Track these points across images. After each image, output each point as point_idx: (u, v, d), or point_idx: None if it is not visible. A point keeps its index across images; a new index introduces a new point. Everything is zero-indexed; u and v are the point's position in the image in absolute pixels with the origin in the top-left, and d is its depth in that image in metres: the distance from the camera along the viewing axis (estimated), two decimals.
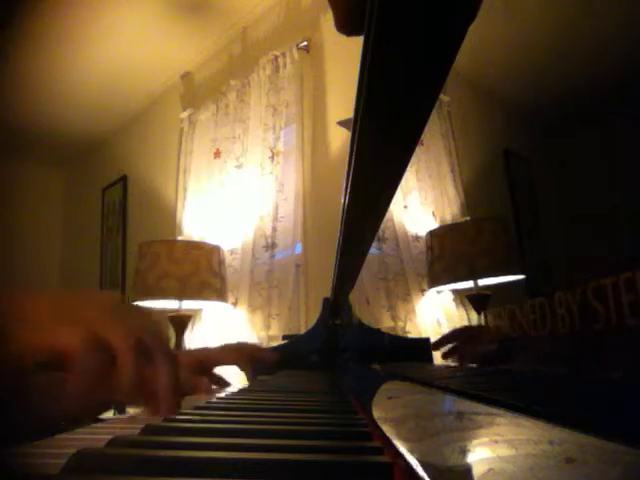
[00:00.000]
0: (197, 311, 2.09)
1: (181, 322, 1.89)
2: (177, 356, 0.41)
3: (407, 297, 1.61)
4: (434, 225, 1.60)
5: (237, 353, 0.68)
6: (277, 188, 1.98)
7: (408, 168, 0.31)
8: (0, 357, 0.32)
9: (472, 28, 0.18)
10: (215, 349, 0.70)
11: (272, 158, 2.03)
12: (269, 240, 1.96)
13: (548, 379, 0.44)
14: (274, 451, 0.22)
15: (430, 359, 1.25)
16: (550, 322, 0.45)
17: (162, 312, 1.91)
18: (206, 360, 0.63)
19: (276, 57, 2.10)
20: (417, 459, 0.17)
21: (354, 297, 1.30)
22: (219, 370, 0.69)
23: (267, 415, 0.36)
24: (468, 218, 1.51)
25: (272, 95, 2.09)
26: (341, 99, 1.90)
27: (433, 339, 1.37)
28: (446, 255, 1.36)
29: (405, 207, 1.68)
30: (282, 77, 2.07)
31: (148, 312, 0.44)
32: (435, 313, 1.57)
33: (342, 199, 0.39)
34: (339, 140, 1.88)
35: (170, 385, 0.37)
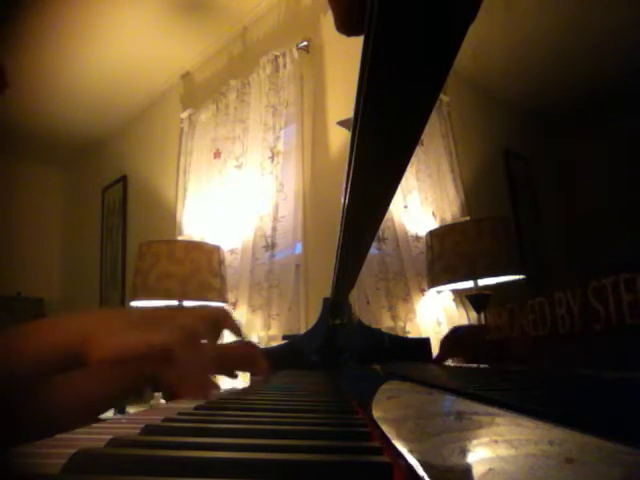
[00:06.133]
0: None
1: None
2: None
3: (407, 297, 1.61)
4: (434, 225, 1.60)
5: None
6: (277, 188, 1.98)
7: (408, 168, 0.31)
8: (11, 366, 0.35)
9: (472, 28, 0.18)
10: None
11: (272, 158, 2.03)
12: (269, 240, 1.96)
13: (548, 379, 0.44)
14: (274, 451, 0.22)
15: (430, 359, 1.25)
16: (550, 322, 0.45)
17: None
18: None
19: (276, 57, 2.10)
20: (417, 459, 0.17)
21: (354, 297, 1.30)
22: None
23: (267, 415, 0.36)
24: (468, 218, 1.51)
25: (272, 95, 2.09)
26: (341, 99, 1.90)
27: (433, 339, 1.37)
28: (446, 255, 1.36)
29: (405, 207, 1.67)
30: (282, 77, 2.07)
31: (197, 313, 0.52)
32: (435, 313, 1.57)
33: (342, 199, 0.39)
34: (339, 140, 1.88)
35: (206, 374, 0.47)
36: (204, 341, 0.48)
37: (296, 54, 2.04)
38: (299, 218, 1.92)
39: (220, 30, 2.48)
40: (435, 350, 1.28)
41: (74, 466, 0.20)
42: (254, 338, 1.91)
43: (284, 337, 1.60)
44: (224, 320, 0.55)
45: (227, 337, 0.63)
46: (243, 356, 0.61)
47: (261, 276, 1.95)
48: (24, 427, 0.35)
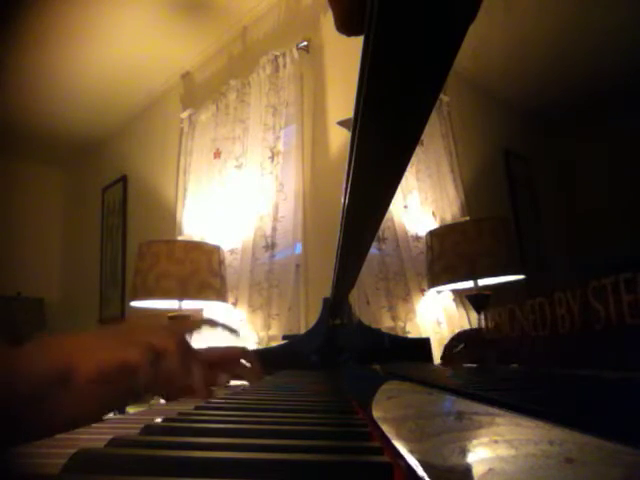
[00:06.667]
0: (197, 311, 2.09)
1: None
2: (204, 355, 0.54)
3: (407, 297, 1.61)
4: (434, 225, 1.60)
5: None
6: (277, 188, 1.98)
7: (408, 168, 0.31)
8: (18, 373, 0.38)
9: (472, 28, 0.18)
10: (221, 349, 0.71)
11: (272, 158, 2.03)
12: (269, 240, 1.96)
13: (548, 379, 0.44)
14: (274, 451, 0.22)
15: (430, 359, 1.26)
16: (550, 322, 0.45)
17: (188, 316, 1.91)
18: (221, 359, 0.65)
19: (276, 57, 2.10)
20: (417, 459, 0.17)
21: (354, 297, 1.30)
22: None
23: (267, 415, 0.36)
24: (468, 218, 1.51)
25: (272, 95, 2.09)
26: (341, 99, 1.90)
27: (433, 339, 1.37)
28: (446, 255, 1.36)
29: (405, 207, 1.68)
30: (282, 77, 2.07)
31: (184, 322, 0.58)
32: (435, 313, 1.57)
33: (342, 199, 0.39)
34: (339, 140, 1.88)
35: (202, 379, 0.51)
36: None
37: (296, 54, 2.04)
38: (299, 218, 1.92)
39: (220, 30, 2.48)
40: (435, 352, 1.28)
41: (74, 466, 0.20)
42: (254, 338, 1.91)
43: (284, 337, 1.60)
44: (204, 325, 0.59)
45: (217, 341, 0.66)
46: (227, 358, 0.62)
47: (261, 276, 1.95)
48: (24, 428, 0.36)
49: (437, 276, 1.41)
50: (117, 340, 0.46)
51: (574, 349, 0.42)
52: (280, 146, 2.02)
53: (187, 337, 0.53)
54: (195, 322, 0.59)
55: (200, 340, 0.62)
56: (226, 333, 0.63)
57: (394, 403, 0.38)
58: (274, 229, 1.95)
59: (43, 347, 0.43)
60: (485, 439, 0.19)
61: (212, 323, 0.60)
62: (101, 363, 0.41)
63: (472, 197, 1.51)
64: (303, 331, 1.69)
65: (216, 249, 1.94)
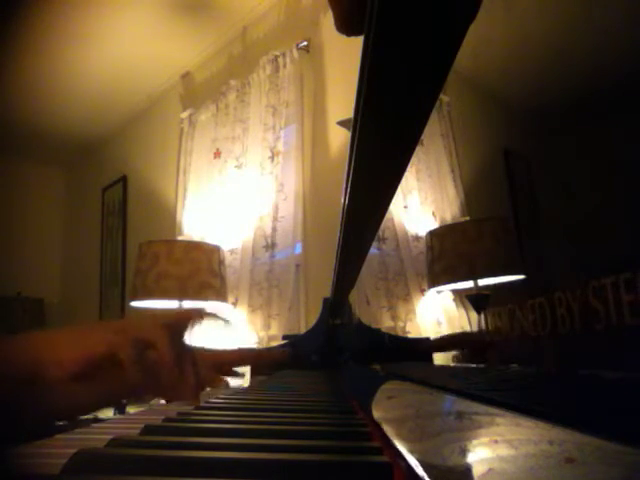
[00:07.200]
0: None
1: None
2: (199, 355, 0.49)
3: (407, 297, 1.61)
4: (434, 225, 1.60)
5: (250, 355, 0.70)
6: (277, 188, 1.98)
7: (408, 168, 0.31)
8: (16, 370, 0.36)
9: (472, 28, 0.18)
10: (232, 350, 0.71)
11: (272, 158, 2.03)
12: (269, 240, 1.96)
13: (548, 379, 0.44)
14: (274, 451, 0.22)
15: (430, 359, 1.26)
16: (550, 322, 0.45)
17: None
18: (223, 360, 0.64)
19: (276, 57, 2.09)
20: (417, 459, 0.17)
21: (354, 297, 1.30)
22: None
23: (267, 415, 0.36)
24: (468, 218, 1.51)
25: (272, 95, 2.09)
26: (341, 99, 1.90)
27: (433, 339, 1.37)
28: (446, 255, 1.36)
29: (405, 207, 1.67)
30: (282, 77, 2.07)
31: (180, 317, 0.52)
32: (435, 313, 1.57)
33: (342, 199, 0.39)
34: (339, 140, 1.88)
35: (194, 381, 0.45)
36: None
37: (296, 54, 2.04)
38: (299, 218, 1.92)
39: (220, 30, 2.48)
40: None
41: (74, 466, 0.20)
42: (254, 338, 1.91)
43: (284, 337, 1.60)
44: (198, 319, 0.54)
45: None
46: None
47: (261, 276, 1.95)
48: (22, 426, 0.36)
49: (437, 276, 1.41)
50: (98, 333, 0.41)
51: (574, 349, 0.42)
52: (280, 146, 2.01)
53: (183, 332, 0.48)
54: (192, 315, 0.52)
55: (200, 335, 0.60)
56: (219, 324, 0.60)
57: (394, 403, 0.38)
58: (274, 229, 1.95)
59: (8, 346, 0.39)
60: (485, 439, 0.19)
61: (209, 316, 0.56)
62: (77, 357, 0.38)
63: (472, 197, 1.51)
64: (303, 331, 1.69)
65: (216, 249, 1.94)
